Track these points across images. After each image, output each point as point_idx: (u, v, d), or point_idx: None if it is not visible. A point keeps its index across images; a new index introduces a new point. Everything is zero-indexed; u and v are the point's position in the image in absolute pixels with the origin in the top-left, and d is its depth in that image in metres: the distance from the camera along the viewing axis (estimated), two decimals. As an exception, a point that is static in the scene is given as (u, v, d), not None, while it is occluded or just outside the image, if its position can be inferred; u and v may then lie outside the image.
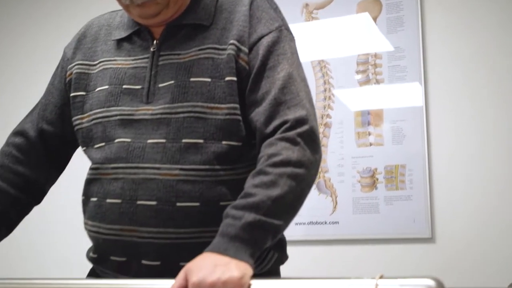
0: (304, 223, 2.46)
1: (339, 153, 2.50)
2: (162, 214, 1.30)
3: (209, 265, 1.11)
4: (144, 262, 1.32)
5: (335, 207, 2.45)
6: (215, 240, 1.17)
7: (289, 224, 1.24)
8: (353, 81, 2.57)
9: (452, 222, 2.36)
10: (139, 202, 1.31)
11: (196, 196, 1.31)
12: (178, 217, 1.30)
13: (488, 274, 2.25)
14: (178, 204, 1.30)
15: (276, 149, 1.25)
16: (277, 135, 1.27)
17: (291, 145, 1.25)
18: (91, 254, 1.42)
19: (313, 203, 2.44)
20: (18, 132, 1.54)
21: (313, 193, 2.44)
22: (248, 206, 1.17)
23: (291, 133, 1.26)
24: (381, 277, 1.04)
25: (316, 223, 2.47)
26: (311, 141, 1.28)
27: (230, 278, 1.08)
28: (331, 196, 2.46)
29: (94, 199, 1.38)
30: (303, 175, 1.24)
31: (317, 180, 2.46)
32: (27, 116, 1.56)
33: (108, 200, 1.35)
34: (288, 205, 1.22)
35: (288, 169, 1.22)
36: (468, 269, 2.27)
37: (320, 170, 2.43)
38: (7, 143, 1.53)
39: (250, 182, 1.22)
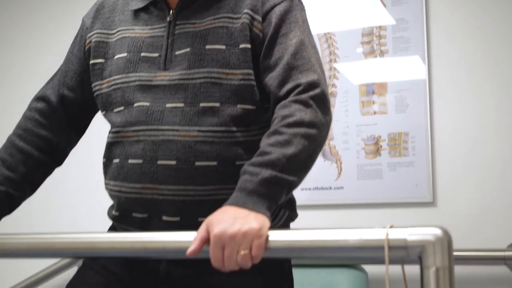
0: (309, 189, 2.52)
1: (344, 121, 2.55)
2: (182, 173, 1.37)
3: (229, 217, 1.17)
4: (164, 218, 1.39)
5: (339, 173, 2.51)
6: (233, 195, 1.23)
7: (302, 181, 1.31)
8: (358, 53, 2.62)
9: (453, 186, 2.41)
10: (159, 162, 1.38)
11: (213, 156, 1.37)
12: (197, 176, 1.37)
13: (486, 236, 2.31)
14: (197, 163, 1.37)
15: (289, 110, 1.31)
16: (290, 98, 1.33)
17: (304, 107, 1.32)
18: (113, 212, 1.48)
19: (319, 169, 2.48)
20: (40, 98, 1.60)
21: (318, 159, 2.46)
22: (264, 163, 1.24)
23: (303, 96, 1.33)
24: (391, 227, 1.11)
25: (321, 188, 2.53)
26: (322, 104, 1.35)
27: (250, 229, 1.15)
28: (336, 162, 2.52)
29: (116, 160, 1.44)
30: (315, 135, 1.31)
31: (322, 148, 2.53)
32: (47, 82, 1.62)
33: (130, 161, 1.41)
34: (301, 163, 1.29)
35: (302, 130, 1.29)
36: (467, 231, 2.32)
37: (325, 137, 2.51)
38: (30, 108, 1.59)
39: (266, 142, 1.28)
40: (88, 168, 2.89)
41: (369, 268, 2.29)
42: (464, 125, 2.45)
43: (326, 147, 2.54)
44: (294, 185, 1.29)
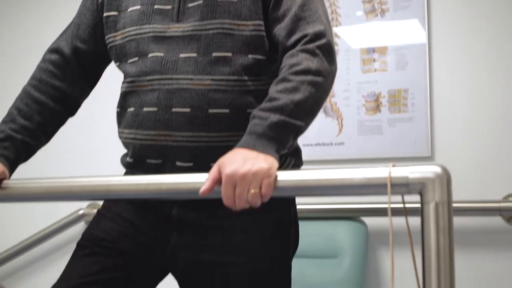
0: (311, 145, 2.57)
1: (345, 79, 2.60)
2: (195, 120, 1.42)
3: (240, 158, 1.23)
4: (178, 163, 1.44)
5: (340, 130, 2.56)
6: (244, 138, 1.29)
7: (309, 126, 1.37)
8: (359, 16, 2.64)
9: (450, 141, 2.46)
10: (174, 110, 1.43)
11: (226, 104, 1.42)
12: (210, 123, 1.42)
13: (483, 189, 2.37)
14: (210, 111, 1.42)
15: (297, 59, 1.36)
16: (298, 47, 1.38)
17: (311, 56, 1.36)
18: (127, 159, 1.53)
19: (320, 125, 2.55)
20: (53, 50, 1.63)
21: (320, 116, 2.54)
22: (273, 109, 1.29)
23: (310, 46, 1.38)
24: (393, 165, 1.18)
25: (323, 144, 2.57)
26: (328, 53, 1.40)
27: (260, 169, 1.21)
28: (337, 119, 2.56)
29: (131, 109, 1.49)
30: (321, 83, 1.36)
31: (323, 105, 2.57)
32: (60, 35, 1.66)
33: (145, 109, 1.46)
34: (308, 109, 1.34)
35: (308, 77, 1.34)
36: (464, 184, 2.38)
37: (326, 95, 2.55)
38: (44, 60, 1.63)
39: (274, 88, 1.34)
40: (100, 117, 2.91)
41: (368, 221, 2.36)
42: (463, 81, 2.49)
43: (327, 104, 2.59)
44: (301, 129, 1.34)
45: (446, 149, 2.45)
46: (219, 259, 1.46)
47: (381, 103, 2.52)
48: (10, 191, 1.47)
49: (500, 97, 2.43)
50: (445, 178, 1.14)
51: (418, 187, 1.14)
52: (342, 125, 2.57)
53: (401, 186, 1.15)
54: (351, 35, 2.64)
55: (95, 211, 2.78)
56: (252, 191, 1.22)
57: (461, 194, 2.29)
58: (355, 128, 2.55)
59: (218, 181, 1.24)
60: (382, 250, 2.41)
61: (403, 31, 2.58)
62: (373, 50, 2.59)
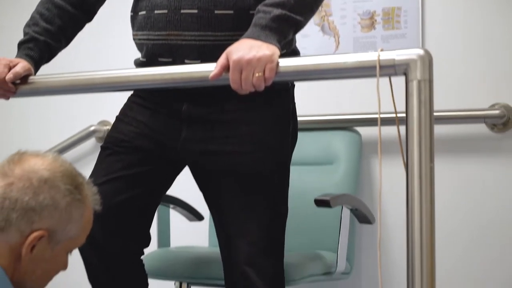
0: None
1: (342, -2, 2.71)
2: (203, 20, 1.56)
3: (246, 47, 1.38)
4: (187, 61, 1.58)
5: (337, 47, 2.68)
6: (249, 30, 1.43)
7: (307, 22, 1.51)
8: None
9: (440, 54, 2.51)
10: (183, 11, 1.57)
11: (230, 6, 1.56)
12: (216, 23, 1.56)
13: (470, 99, 2.46)
14: (216, 11, 1.56)
15: None
16: None
17: None
18: (140, 59, 1.68)
19: (318, 43, 2.66)
20: None
21: (317, 34, 2.66)
22: (275, 4, 1.44)
23: None
24: (381, 50, 1.32)
25: (321, 59, 2.70)
26: None
27: (264, 55, 1.36)
28: (334, 37, 2.68)
29: (143, 12, 1.62)
30: None
31: (321, 23, 2.69)
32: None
33: (156, 11, 1.59)
34: (307, 6, 1.48)
35: None
36: (452, 93, 2.49)
37: (324, 14, 2.67)
38: None
39: None
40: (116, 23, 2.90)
41: (362, 130, 2.50)
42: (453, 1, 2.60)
43: (325, 22, 2.69)
44: (301, 24, 1.49)
45: (437, 62, 2.51)
46: (224, 149, 1.62)
47: (375, 20, 2.63)
48: (37, 85, 1.62)
49: (487, 14, 2.52)
50: (427, 59, 1.29)
51: (403, 67, 1.29)
52: (338, 43, 2.68)
53: (389, 68, 1.30)
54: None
55: (105, 127, 2.94)
56: (257, 74, 1.37)
57: (448, 104, 2.42)
58: (351, 45, 2.66)
59: (226, 67, 1.39)
60: (374, 158, 2.56)
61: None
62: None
